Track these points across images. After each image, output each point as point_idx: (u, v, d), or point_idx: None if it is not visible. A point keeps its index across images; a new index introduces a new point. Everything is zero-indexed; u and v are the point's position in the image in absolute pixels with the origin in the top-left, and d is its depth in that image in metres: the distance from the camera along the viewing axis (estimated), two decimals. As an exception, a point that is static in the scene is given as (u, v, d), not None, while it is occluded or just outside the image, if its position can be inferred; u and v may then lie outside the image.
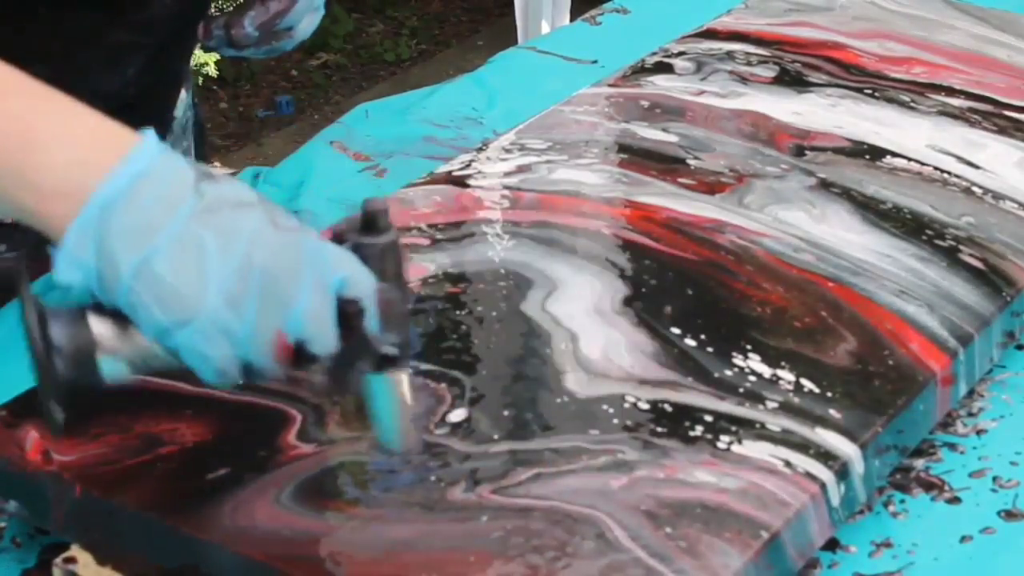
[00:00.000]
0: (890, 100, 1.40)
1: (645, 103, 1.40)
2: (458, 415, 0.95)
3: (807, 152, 1.30)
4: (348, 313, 0.76)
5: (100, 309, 0.76)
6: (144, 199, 0.73)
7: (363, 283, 0.77)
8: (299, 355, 0.76)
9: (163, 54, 1.22)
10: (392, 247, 0.79)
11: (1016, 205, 1.22)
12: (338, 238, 0.79)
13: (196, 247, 0.72)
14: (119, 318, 0.75)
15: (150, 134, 0.76)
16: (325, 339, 0.76)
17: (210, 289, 0.72)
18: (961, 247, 1.15)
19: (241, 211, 0.74)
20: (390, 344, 0.79)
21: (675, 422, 0.94)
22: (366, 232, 0.79)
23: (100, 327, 0.75)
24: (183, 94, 1.32)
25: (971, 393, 1.09)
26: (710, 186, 1.24)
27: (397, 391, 0.81)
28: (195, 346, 0.74)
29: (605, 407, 0.96)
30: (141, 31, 1.18)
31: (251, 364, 0.76)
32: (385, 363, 0.80)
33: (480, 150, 1.32)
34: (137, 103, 1.19)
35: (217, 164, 3.54)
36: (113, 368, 0.77)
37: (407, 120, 1.56)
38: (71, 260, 0.73)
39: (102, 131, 0.76)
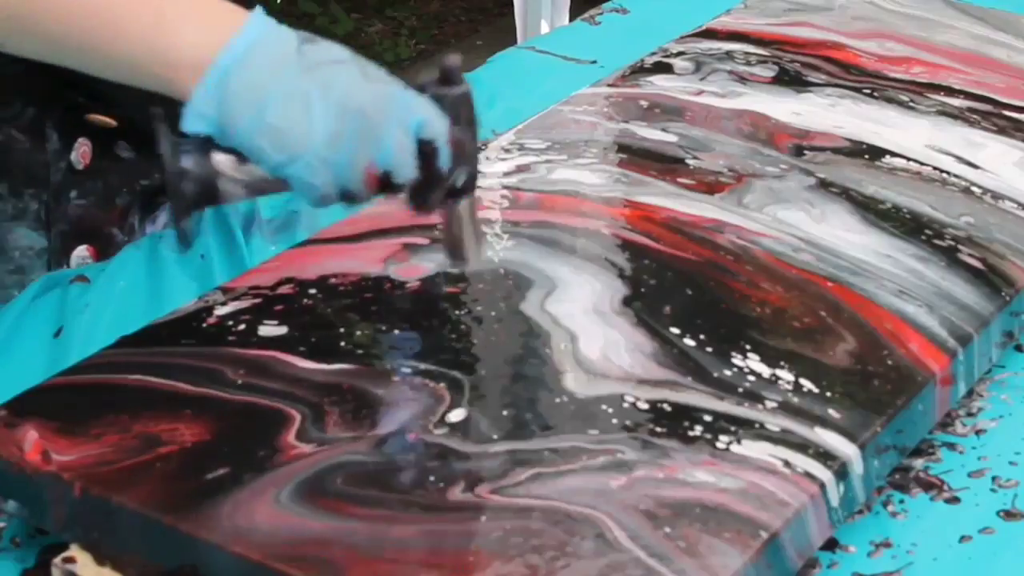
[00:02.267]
0: (889, 100, 1.40)
1: (644, 103, 1.40)
2: (457, 415, 0.95)
3: (806, 152, 1.30)
4: (425, 150, 0.92)
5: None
6: (256, 62, 0.89)
7: (438, 125, 0.94)
8: (385, 184, 0.94)
9: None
10: (464, 97, 0.95)
11: (1015, 205, 1.22)
12: (419, 89, 0.94)
13: (302, 97, 0.89)
14: (238, 153, 0.91)
15: (259, 10, 0.92)
16: (407, 170, 0.93)
17: (315, 130, 0.89)
18: (960, 247, 1.15)
19: (337, 66, 0.91)
20: (459, 176, 0.96)
21: (674, 422, 0.94)
22: (442, 84, 0.95)
23: (221, 157, 0.92)
24: None
25: (970, 393, 1.09)
26: (709, 186, 1.24)
27: (465, 214, 0.99)
28: (303, 176, 0.91)
29: (604, 407, 0.96)
30: None
31: (347, 190, 0.93)
32: (456, 192, 0.97)
33: (480, 150, 1.32)
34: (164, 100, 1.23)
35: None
36: (232, 189, 0.93)
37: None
38: (197, 114, 0.89)
39: (219, 9, 0.92)
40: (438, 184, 0.95)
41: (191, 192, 0.91)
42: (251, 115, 0.89)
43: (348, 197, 0.95)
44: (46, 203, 1.23)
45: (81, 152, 1.23)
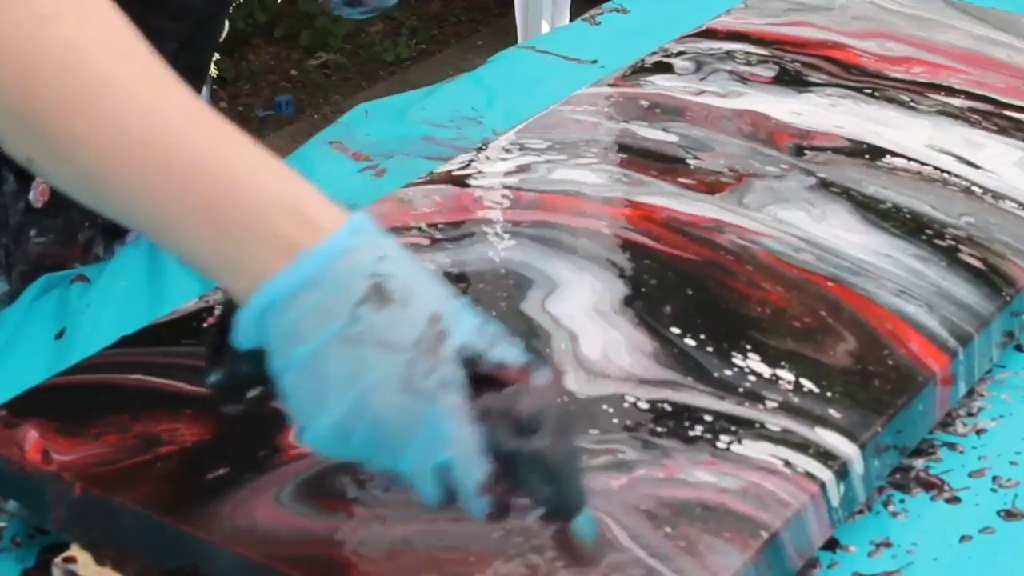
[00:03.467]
0: (890, 100, 1.40)
1: (645, 103, 1.40)
2: (458, 415, 0.95)
3: (807, 152, 1.30)
4: (451, 488, 0.74)
5: None
6: (302, 307, 0.72)
7: (468, 472, 0.74)
8: None
9: (193, 42, 1.21)
10: (534, 457, 0.73)
11: (1016, 205, 1.22)
12: (484, 412, 0.73)
13: (319, 373, 0.73)
14: None
15: (348, 229, 0.73)
16: (426, 497, 0.76)
17: (321, 417, 0.74)
18: (961, 247, 1.15)
19: (382, 353, 0.72)
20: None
21: (675, 422, 0.94)
22: (511, 428, 0.73)
23: None
24: (204, 90, 1.32)
25: (971, 393, 1.09)
26: (710, 186, 1.24)
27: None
28: (313, 447, 0.77)
29: (605, 407, 0.96)
30: (176, 18, 1.18)
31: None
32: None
33: (480, 150, 1.32)
34: None
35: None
36: None
37: (406, 120, 1.56)
38: (243, 335, 0.75)
39: (294, 214, 0.73)
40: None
41: (234, 370, 0.79)
42: (281, 364, 0.74)
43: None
44: (5, 246, 1.20)
45: (40, 191, 1.19)
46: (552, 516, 0.76)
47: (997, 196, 1.23)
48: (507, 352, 0.75)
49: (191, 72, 1.26)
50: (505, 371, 0.74)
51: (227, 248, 0.73)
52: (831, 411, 0.96)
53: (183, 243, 0.74)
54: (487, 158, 1.30)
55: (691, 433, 0.93)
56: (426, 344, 0.72)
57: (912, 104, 1.39)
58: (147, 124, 0.72)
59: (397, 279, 0.73)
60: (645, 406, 0.96)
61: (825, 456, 0.92)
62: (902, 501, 0.99)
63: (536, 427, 0.73)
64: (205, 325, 0.88)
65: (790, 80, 1.44)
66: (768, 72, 1.46)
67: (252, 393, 0.79)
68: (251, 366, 0.77)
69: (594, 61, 1.68)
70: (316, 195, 0.75)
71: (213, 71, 3.49)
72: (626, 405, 0.96)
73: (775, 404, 0.96)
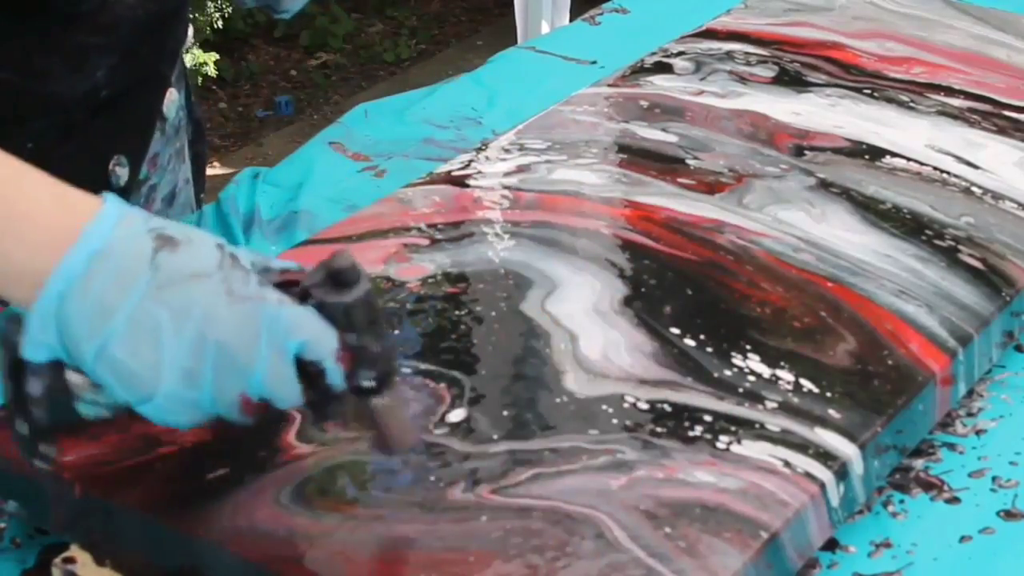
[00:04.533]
0: (889, 100, 1.40)
1: (644, 103, 1.40)
2: (457, 415, 0.95)
3: (806, 152, 1.30)
4: (309, 373, 0.78)
5: None
6: (99, 280, 0.74)
7: (322, 345, 0.77)
8: (269, 407, 0.79)
9: (135, 56, 1.19)
10: (359, 303, 0.79)
11: (1016, 205, 1.22)
12: (303, 295, 0.79)
13: (151, 328, 0.74)
14: None
15: (109, 201, 0.76)
16: (288, 398, 0.78)
17: (165, 369, 0.74)
18: (960, 247, 1.15)
19: (196, 284, 0.75)
20: (365, 379, 0.80)
21: (674, 422, 0.94)
22: (331, 288, 0.79)
23: (75, 376, 0.78)
24: (174, 95, 1.31)
25: (970, 393, 1.09)
26: (709, 186, 1.24)
27: (380, 409, 0.82)
28: (159, 416, 0.77)
29: (604, 407, 0.96)
30: (105, 33, 1.15)
31: (222, 418, 0.78)
32: (363, 392, 0.81)
33: (480, 150, 1.32)
34: (115, 105, 1.17)
35: (216, 164, 3.55)
36: (91, 411, 0.79)
37: (406, 120, 1.56)
38: (37, 342, 0.75)
39: (57, 208, 0.75)
40: (333, 401, 0.80)
41: (42, 417, 0.78)
42: (94, 346, 0.74)
43: (226, 423, 0.80)
44: None
45: None
46: (382, 384, 0.80)
47: (997, 196, 1.23)
48: (284, 264, 0.80)
49: (146, 82, 1.24)
50: (292, 273, 0.79)
51: (6, 255, 0.74)
52: (831, 411, 0.96)
53: None
54: (487, 158, 1.30)
55: (691, 433, 0.93)
56: (228, 262, 0.77)
57: (912, 104, 1.39)
58: None
59: (170, 226, 0.77)
60: (645, 406, 0.96)
61: (825, 456, 0.92)
62: (902, 501, 0.99)
63: (356, 277, 0.79)
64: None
65: (790, 80, 1.44)
66: (768, 72, 1.46)
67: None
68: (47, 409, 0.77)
69: (594, 61, 1.68)
70: (66, 185, 0.77)
71: (213, 71, 3.49)
72: (626, 405, 0.96)
73: (775, 404, 0.96)
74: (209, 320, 0.75)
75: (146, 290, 0.74)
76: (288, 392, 0.77)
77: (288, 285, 0.79)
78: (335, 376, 0.78)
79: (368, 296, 0.79)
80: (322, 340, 0.77)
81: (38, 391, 0.77)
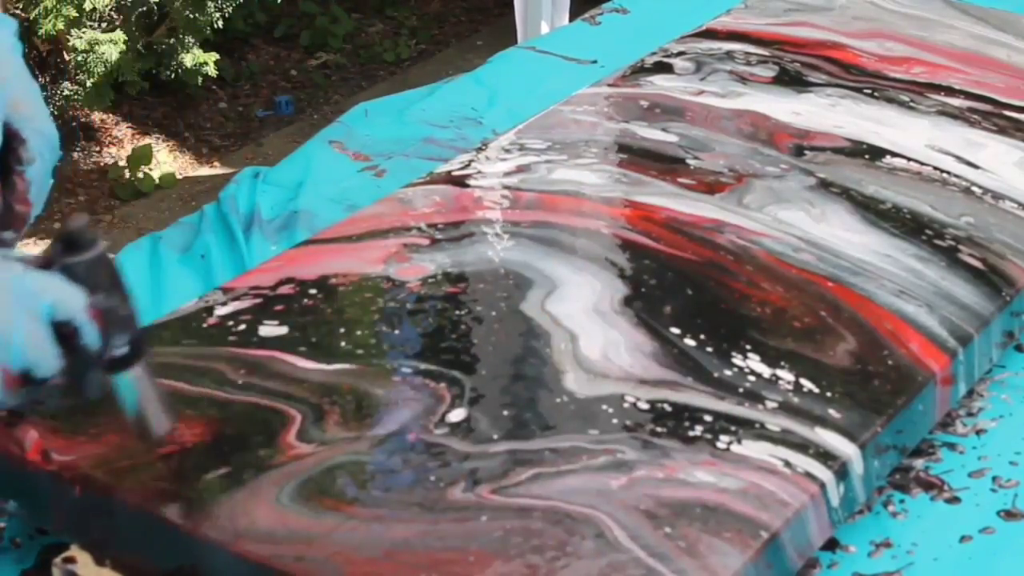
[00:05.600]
0: (889, 100, 1.40)
1: (645, 103, 1.40)
2: (458, 415, 0.95)
3: (807, 152, 1.30)
4: (63, 335, 0.79)
5: None
6: None
7: (71, 303, 0.80)
8: (30, 379, 0.80)
9: None
10: (97, 261, 0.82)
11: (1016, 205, 1.22)
12: (46, 263, 0.81)
13: None
14: None
15: None
16: (46, 363, 0.79)
17: None
18: (961, 247, 1.15)
19: None
20: (118, 346, 0.82)
21: (675, 422, 0.94)
22: (69, 252, 0.82)
23: None
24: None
25: (971, 393, 1.09)
26: (710, 186, 1.24)
27: (136, 385, 0.85)
28: None
29: (605, 407, 0.96)
30: None
31: None
32: (118, 363, 0.83)
33: (480, 150, 1.32)
34: None
35: (216, 164, 3.54)
36: None
37: (406, 119, 1.57)
38: None
39: None
40: (92, 364, 0.82)
41: None
42: None
43: None
44: None
45: None
46: (134, 353, 0.83)
47: (997, 196, 1.23)
48: (27, 253, 0.83)
49: None
50: (38, 258, 0.81)
51: None
52: (831, 411, 0.96)
53: None
54: (487, 158, 1.30)
55: (691, 433, 0.93)
56: None
57: (912, 104, 1.39)
58: None
59: None
60: (645, 406, 0.96)
61: (825, 456, 0.92)
62: (902, 501, 0.99)
63: (91, 238, 0.82)
64: None
65: (790, 80, 1.44)
66: (768, 72, 1.46)
67: None
68: None
69: (594, 61, 1.68)
70: None
71: (213, 71, 3.48)
72: (626, 405, 0.96)
73: (775, 404, 0.96)
74: None
75: None
76: (46, 357, 0.79)
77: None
78: (89, 334, 0.80)
79: (105, 255, 0.83)
80: (71, 298, 0.80)
81: None
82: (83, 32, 3.18)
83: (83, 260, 0.81)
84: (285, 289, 1.09)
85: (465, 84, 1.66)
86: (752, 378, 0.99)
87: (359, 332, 1.04)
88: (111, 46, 3.16)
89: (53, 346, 0.79)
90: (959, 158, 1.29)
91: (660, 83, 1.44)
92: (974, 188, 1.24)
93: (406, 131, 1.53)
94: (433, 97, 1.62)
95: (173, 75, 3.46)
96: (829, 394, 0.97)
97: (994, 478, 1.01)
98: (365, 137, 1.53)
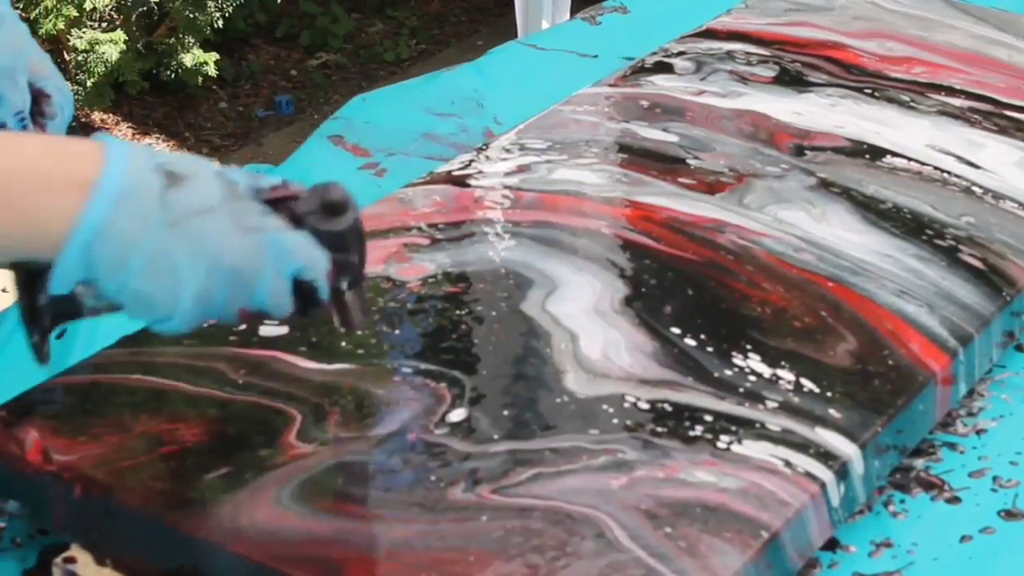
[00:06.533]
0: (890, 100, 1.40)
1: (645, 103, 1.40)
2: (458, 415, 0.95)
3: (807, 152, 1.30)
4: (304, 291, 0.86)
5: None
6: (118, 224, 0.80)
7: (317, 268, 0.86)
8: (262, 315, 0.87)
9: None
10: (350, 231, 0.89)
11: (1016, 205, 1.22)
12: (298, 219, 0.87)
13: (167, 263, 0.81)
14: None
15: (111, 144, 0.81)
16: (280, 311, 0.86)
17: (183, 293, 0.81)
18: (961, 247, 1.15)
19: (206, 219, 0.82)
20: (343, 284, 0.89)
21: (675, 422, 0.94)
22: (325, 217, 0.88)
23: (80, 288, 0.84)
24: None
25: (971, 393, 1.09)
26: (710, 186, 1.24)
27: (351, 305, 0.90)
28: (168, 329, 0.83)
29: (605, 407, 0.96)
30: None
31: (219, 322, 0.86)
32: (340, 293, 0.89)
33: (480, 150, 1.32)
34: None
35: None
36: (93, 310, 0.87)
37: (406, 105, 1.56)
38: (63, 279, 0.81)
39: (66, 162, 0.80)
40: (315, 308, 0.89)
41: (49, 322, 0.86)
42: (117, 281, 0.81)
43: (220, 326, 0.93)
44: None
45: None
46: (353, 284, 0.90)
47: (997, 196, 1.23)
48: (271, 180, 0.87)
49: None
50: (280, 189, 0.86)
51: (25, 216, 0.79)
52: (831, 411, 0.96)
53: None
54: (487, 158, 1.30)
55: (691, 433, 0.93)
56: (229, 195, 0.84)
57: (912, 104, 1.39)
58: None
59: (174, 161, 0.83)
60: (645, 406, 0.96)
61: (825, 456, 0.92)
62: (902, 501, 0.99)
63: (345, 206, 0.88)
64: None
65: (790, 80, 1.44)
66: (768, 72, 1.46)
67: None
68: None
69: (595, 56, 1.68)
70: (61, 138, 0.84)
71: (213, 71, 3.48)
72: (626, 405, 0.96)
73: (775, 404, 0.96)
74: (221, 251, 0.82)
75: (160, 228, 0.80)
76: (282, 307, 0.86)
77: (278, 202, 0.86)
78: (324, 292, 0.87)
79: (357, 223, 0.89)
80: (317, 264, 0.86)
81: (49, 301, 0.84)
82: (83, 32, 3.18)
83: (335, 229, 0.88)
84: (285, 289, 1.09)
85: (465, 72, 1.66)
86: (752, 378, 0.99)
87: (359, 332, 1.04)
88: (111, 46, 3.16)
89: (291, 299, 0.86)
90: (959, 158, 1.29)
91: (660, 83, 1.44)
92: (974, 188, 1.24)
93: (406, 117, 1.53)
94: (432, 84, 1.62)
95: (173, 75, 3.46)
96: (829, 394, 0.97)
97: (994, 478, 1.01)
98: (365, 125, 1.52)
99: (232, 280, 0.83)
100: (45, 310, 0.85)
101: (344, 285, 0.89)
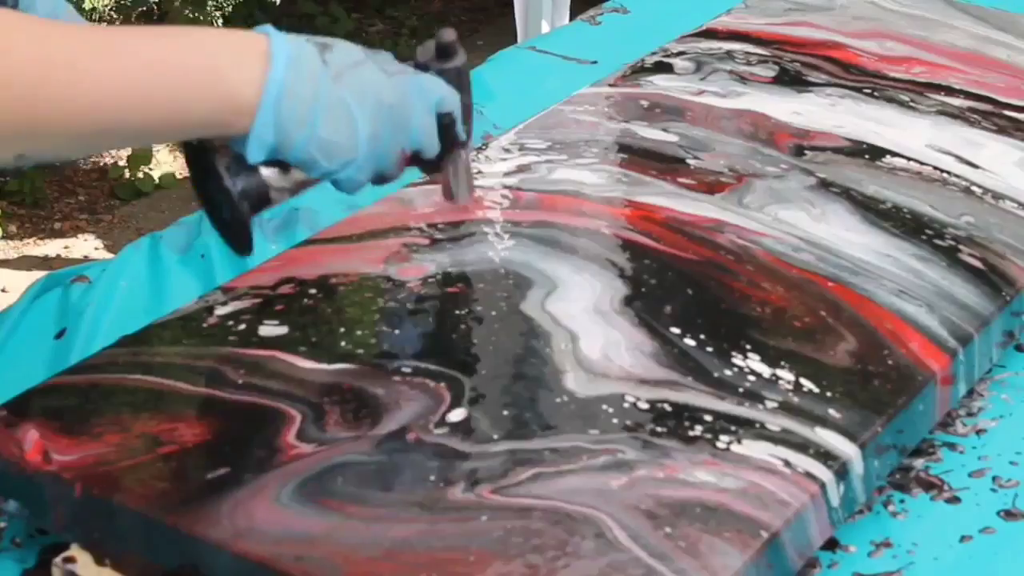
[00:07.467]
0: (890, 100, 1.40)
1: (645, 103, 1.40)
2: (458, 415, 0.95)
3: (807, 152, 1.30)
4: (445, 123, 1.02)
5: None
6: (297, 86, 0.93)
7: (452, 99, 1.03)
8: (414, 160, 1.03)
9: None
10: (465, 67, 1.05)
11: (1016, 205, 1.22)
12: (422, 67, 1.03)
13: (343, 109, 0.95)
14: (279, 163, 0.97)
15: (273, 34, 0.94)
16: (432, 146, 1.02)
17: (359, 135, 0.96)
18: (961, 247, 1.15)
19: (360, 69, 0.97)
20: (463, 132, 1.05)
21: (675, 422, 0.94)
22: (441, 58, 1.04)
23: (267, 171, 0.98)
24: None
25: (971, 393, 1.09)
26: (710, 186, 1.24)
27: (463, 163, 1.08)
28: (353, 177, 0.98)
29: (605, 407, 0.96)
30: None
31: (383, 175, 1.01)
32: (458, 146, 1.06)
33: (480, 150, 1.32)
34: None
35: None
36: (278, 196, 0.99)
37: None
38: (259, 145, 0.94)
39: (245, 42, 0.94)
40: (456, 149, 1.05)
41: (248, 209, 0.98)
42: (304, 134, 0.94)
43: (382, 179, 1.02)
44: None
45: None
46: (467, 135, 1.07)
47: (997, 196, 1.23)
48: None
49: None
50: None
51: (220, 88, 0.91)
52: (831, 411, 0.96)
53: (185, 113, 0.91)
54: (487, 158, 1.30)
55: (691, 433, 0.93)
56: (369, 52, 1.00)
57: (912, 104, 1.39)
58: (105, 56, 0.89)
59: (315, 37, 0.98)
60: (645, 406, 0.96)
61: (825, 456, 0.92)
62: (902, 501, 0.99)
63: (457, 48, 1.04)
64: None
65: (790, 80, 1.44)
66: (768, 72, 1.46)
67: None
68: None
69: (594, 62, 1.68)
70: (218, 28, 0.97)
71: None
72: (626, 405, 0.96)
73: (775, 404, 0.96)
74: (380, 93, 0.97)
75: (329, 82, 0.95)
76: (432, 141, 1.02)
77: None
78: (460, 124, 1.03)
79: (466, 62, 1.05)
80: (452, 96, 1.03)
81: (241, 186, 0.96)
82: (83, 32, 3.17)
83: (453, 66, 1.04)
84: (285, 289, 1.09)
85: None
86: (752, 378, 0.99)
87: (359, 332, 1.04)
88: (111, 46, 3.16)
89: (437, 132, 1.02)
90: (959, 158, 1.29)
91: (660, 83, 1.44)
92: (974, 188, 1.24)
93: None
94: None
95: (173, 75, 3.45)
96: (829, 394, 0.97)
97: (994, 478, 1.01)
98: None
99: (392, 119, 0.98)
100: (241, 197, 0.97)
101: (463, 134, 1.04)
